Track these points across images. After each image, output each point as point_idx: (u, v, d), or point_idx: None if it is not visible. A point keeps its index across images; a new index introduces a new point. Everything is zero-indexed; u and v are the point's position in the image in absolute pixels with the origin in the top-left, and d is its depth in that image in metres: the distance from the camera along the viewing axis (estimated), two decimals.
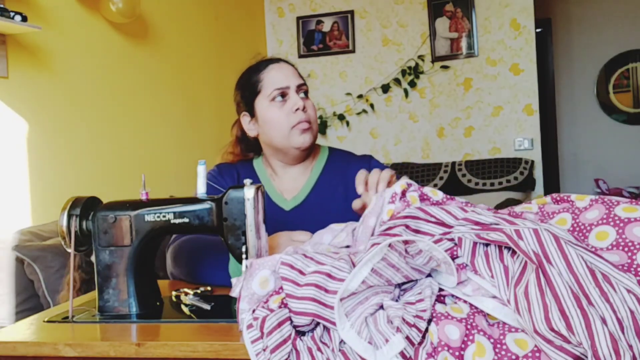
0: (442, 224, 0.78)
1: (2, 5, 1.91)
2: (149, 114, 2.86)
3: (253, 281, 0.80)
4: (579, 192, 5.35)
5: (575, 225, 0.76)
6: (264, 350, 0.71)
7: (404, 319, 0.67)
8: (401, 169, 3.84)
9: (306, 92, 1.36)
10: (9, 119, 2.07)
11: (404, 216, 0.80)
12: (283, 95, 1.31)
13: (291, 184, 1.39)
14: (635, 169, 4.92)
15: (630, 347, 0.57)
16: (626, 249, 0.70)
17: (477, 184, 3.63)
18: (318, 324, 0.75)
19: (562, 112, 5.23)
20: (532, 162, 3.68)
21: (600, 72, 5.05)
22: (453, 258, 0.75)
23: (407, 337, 0.66)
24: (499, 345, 0.65)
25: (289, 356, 0.71)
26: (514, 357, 0.63)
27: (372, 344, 0.68)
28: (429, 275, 0.78)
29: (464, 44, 3.89)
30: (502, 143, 3.87)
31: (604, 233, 0.72)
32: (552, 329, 0.60)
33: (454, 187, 3.67)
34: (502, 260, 0.72)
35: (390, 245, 0.72)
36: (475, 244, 0.74)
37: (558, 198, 0.83)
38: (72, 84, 2.38)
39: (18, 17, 1.93)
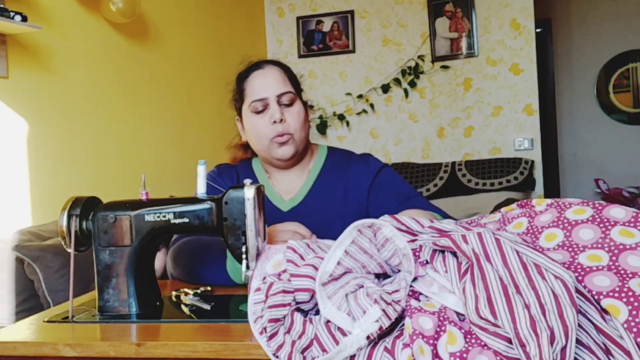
0: (409, 232, 0.81)
1: (2, 5, 1.91)
2: (148, 114, 2.86)
3: (268, 264, 0.85)
4: (579, 192, 5.34)
5: (529, 227, 0.80)
6: (262, 311, 0.76)
7: (381, 297, 0.71)
8: (401, 169, 3.84)
9: (292, 99, 1.31)
10: (9, 119, 2.08)
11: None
12: (264, 105, 1.29)
13: (289, 185, 1.39)
14: (635, 169, 4.92)
15: (551, 328, 0.60)
16: (570, 249, 0.73)
17: (477, 184, 3.63)
18: (316, 305, 0.79)
19: (562, 112, 5.23)
20: (532, 162, 3.68)
21: (600, 72, 5.05)
22: (415, 257, 0.79)
23: (384, 310, 0.69)
24: (469, 335, 0.68)
25: (283, 319, 0.75)
26: (483, 343, 0.66)
27: (350, 315, 0.73)
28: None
29: (464, 44, 3.89)
30: (502, 143, 3.87)
31: (552, 235, 0.76)
32: (481, 317, 0.64)
33: (454, 187, 3.67)
34: (456, 257, 0.75)
35: (360, 232, 0.78)
36: (434, 251, 0.78)
37: (523, 204, 0.87)
38: (72, 84, 2.38)
39: (18, 17, 1.93)
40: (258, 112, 1.30)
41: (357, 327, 0.70)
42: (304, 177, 1.39)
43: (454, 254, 0.75)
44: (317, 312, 0.79)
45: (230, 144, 1.47)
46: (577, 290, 0.66)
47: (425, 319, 0.69)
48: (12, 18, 1.91)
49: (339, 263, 0.76)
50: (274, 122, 1.28)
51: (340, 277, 0.77)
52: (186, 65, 3.20)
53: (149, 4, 2.87)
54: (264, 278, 0.83)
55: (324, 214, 1.33)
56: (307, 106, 1.40)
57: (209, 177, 1.42)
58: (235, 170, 1.43)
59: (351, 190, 1.36)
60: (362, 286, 0.76)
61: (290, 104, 1.31)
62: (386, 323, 0.69)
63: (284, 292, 0.77)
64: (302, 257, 0.83)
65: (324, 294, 0.75)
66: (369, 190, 1.35)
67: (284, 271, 0.83)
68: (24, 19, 1.95)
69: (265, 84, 1.30)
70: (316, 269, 0.78)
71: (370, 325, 0.69)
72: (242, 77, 1.35)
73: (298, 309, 0.78)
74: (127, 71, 2.72)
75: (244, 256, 0.95)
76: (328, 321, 0.75)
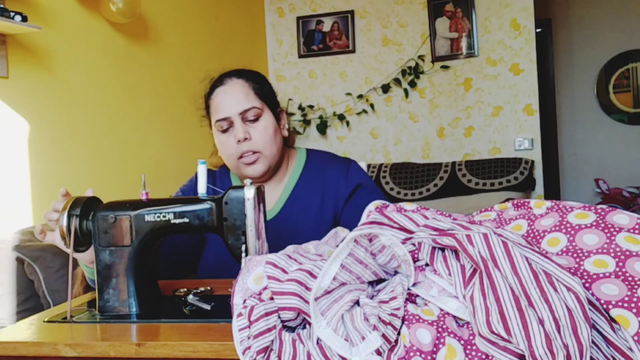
0: (404, 229, 0.80)
1: (2, 5, 1.91)
2: (149, 114, 2.86)
3: (249, 277, 0.81)
4: (579, 192, 5.33)
5: (530, 231, 0.78)
6: (248, 338, 0.73)
7: (379, 318, 0.69)
8: (401, 169, 3.84)
9: (257, 114, 1.25)
10: (9, 119, 2.08)
11: (370, 222, 0.82)
12: (228, 124, 1.25)
13: (267, 195, 1.34)
14: (635, 169, 4.92)
15: (566, 346, 0.58)
16: (575, 255, 0.71)
17: (477, 184, 3.63)
18: (304, 320, 0.76)
19: (562, 112, 5.23)
20: (532, 162, 3.68)
21: (600, 72, 5.05)
22: (414, 260, 0.77)
23: (383, 335, 0.67)
24: (469, 347, 0.66)
25: (271, 344, 0.72)
26: (484, 356, 0.65)
27: (348, 340, 0.70)
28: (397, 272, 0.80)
29: (464, 44, 3.89)
30: (502, 143, 3.87)
31: (555, 239, 0.74)
32: (493, 331, 0.62)
33: (454, 187, 3.67)
34: (458, 259, 0.73)
35: (355, 241, 0.75)
36: (433, 248, 0.76)
37: (519, 204, 0.85)
38: (72, 84, 2.38)
39: (18, 17, 1.93)
40: (224, 131, 1.26)
41: (355, 354, 0.67)
42: (281, 188, 1.35)
43: (456, 253, 0.74)
44: (304, 326, 0.77)
45: (212, 151, 1.43)
46: (588, 300, 0.64)
47: (423, 332, 0.67)
48: (12, 18, 1.91)
49: (334, 278, 0.73)
50: (239, 141, 1.24)
51: (333, 290, 0.75)
52: (186, 65, 3.20)
53: (149, 4, 2.87)
54: (245, 301, 0.79)
55: (301, 224, 1.30)
56: (281, 114, 1.34)
57: (189, 185, 1.42)
58: (212, 177, 1.41)
59: (328, 198, 1.32)
60: (357, 301, 0.74)
61: (255, 119, 1.25)
62: (386, 349, 0.67)
63: (267, 314, 0.74)
64: (284, 271, 0.79)
65: (318, 310, 0.72)
66: (345, 202, 1.31)
67: (266, 288, 0.79)
68: (24, 19, 1.95)
69: (228, 102, 1.25)
70: (300, 284, 0.75)
71: (369, 356, 0.67)
72: (208, 94, 1.31)
73: (284, 326, 0.75)
74: (127, 71, 2.72)
75: (243, 255, 0.95)
76: (319, 338, 0.72)
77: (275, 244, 1.19)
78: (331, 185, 1.32)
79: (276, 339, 0.73)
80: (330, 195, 1.32)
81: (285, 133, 1.35)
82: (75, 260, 1.13)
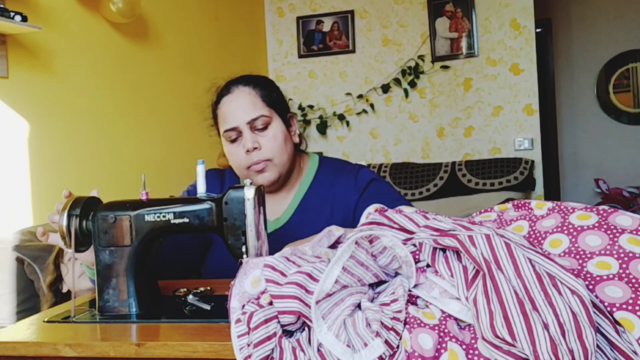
0: (404, 230, 0.79)
1: (2, 5, 1.91)
2: (149, 114, 2.86)
3: (246, 280, 0.80)
4: (579, 192, 5.32)
5: (531, 232, 0.77)
6: (248, 345, 0.71)
7: (382, 323, 0.68)
8: (401, 169, 3.84)
9: (266, 122, 1.23)
10: (9, 119, 2.08)
11: (370, 222, 0.81)
12: (237, 133, 1.23)
13: (276, 204, 1.33)
14: (635, 169, 4.92)
15: (571, 351, 0.58)
16: (577, 256, 0.71)
17: (477, 184, 3.63)
18: (304, 324, 0.75)
19: (562, 112, 5.23)
20: (532, 162, 3.68)
21: (600, 72, 5.05)
22: (415, 261, 0.76)
23: (386, 341, 0.66)
24: (471, 351, 0.65)
25: (272, 352, 0.71)
26: None
27: (350, 346, 0.69)
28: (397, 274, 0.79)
29: (464, 44, 3.89)
30: (502, 143, 3.87)
31: (557, 241, 0.74)
32: (497, 336, 0.61)
33: (454, 187, 3.66)
34: (460, 260, 0.73)
35: (356, 243, 0.74)
36: (435, 249, 0.75)
37: (519, 204, 0.84)
38: (72, 84, 2.38)
39: (18, 17, 1.93)
40: (233, 141, 1.25)
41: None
42: (291, 196, 1.32)
43: (458, 254, 0.73)
44: (302, 329, 0.75)
45: (220, 152, 1.40)
46: (592, 303, 0.63)
47: (424, 337, 0.66)
48: (12, 18, 1.91)
49: (336, 281, 0.72)
50: (248, 151, 1.22)
51: (334, 293, 0.74)
52: (186, 65, 3.20)
53: (149, 4, 2.87)
54: (243, 306, 0.78)
55: (309, 234, 1.25)
56: (292, 119, 1.32)
57: (195, 185, 1.40)
58: (221, 176, 1.39)
59: (338, 209, 1.29)
60: (359, 304, 0.73)
61: (264, 128, 1.23)
62: (388, 355, 0.67)
63: (266, 321, 0.72)
64: (283, 274, 0.77)
65: (319, 314, 0.71)
66: (356, 206, 1.28)
67: (264, 291, 0.78)
68: (24, 19, 1.95)
69: (235, 111, 1.23)
70: (300, 286, 0.73)
71: None
72: (215, 103, 1.29)
73: (284, 331, 0.74)
74: (127, 71, 2.72)
75: (244, 255, 0.95)
76: (320, 343, 0.71)
77: None
78: (340, 196, 1.29)
79: (276, 347, 0.71)
80: (340, 206, 1.29)
81: (297, 139, 1.32)
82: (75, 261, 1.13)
